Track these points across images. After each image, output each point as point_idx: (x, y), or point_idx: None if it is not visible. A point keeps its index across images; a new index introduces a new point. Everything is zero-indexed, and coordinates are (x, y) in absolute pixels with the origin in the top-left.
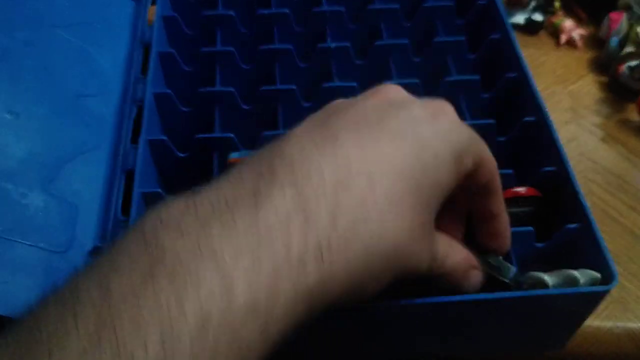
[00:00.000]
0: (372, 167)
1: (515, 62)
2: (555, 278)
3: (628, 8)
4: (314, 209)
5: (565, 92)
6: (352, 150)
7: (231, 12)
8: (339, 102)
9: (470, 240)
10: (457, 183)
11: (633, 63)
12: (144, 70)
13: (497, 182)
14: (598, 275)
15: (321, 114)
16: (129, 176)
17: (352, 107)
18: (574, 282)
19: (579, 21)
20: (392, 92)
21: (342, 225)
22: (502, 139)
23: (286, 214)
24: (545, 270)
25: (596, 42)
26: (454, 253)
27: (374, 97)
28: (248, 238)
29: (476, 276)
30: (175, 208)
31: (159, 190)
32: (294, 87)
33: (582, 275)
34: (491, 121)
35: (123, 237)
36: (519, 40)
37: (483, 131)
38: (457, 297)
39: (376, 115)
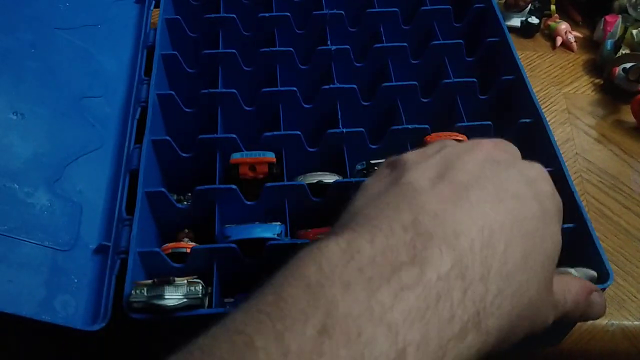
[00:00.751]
0: (506, 226)
1: (511, 65)
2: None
3: (623, 11)
4: (470, 273)
5: (561, 93)
6: (487, 209)
7: (233, 15)
8: (442, 146)
9: None
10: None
11: (628, 65)
12: (148, 71)
13: None
14: (594, 273)
15: (434, 164)
16: (133, 176)
17: (466, 160)
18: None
19: (575, 24)
20: (492, 148)
21: (492, 291)
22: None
23: (447, 278)
24: None
25: (591, 44)
26: (569, 289)
27: (479, 151)
28: (418, 303)
29: (598, 298)
30: (333, 254)
31: (163, 189)
32: (294, 88)
33: (579, 273)
34: (488, 123)
35: (282, 281)
36: (515, 43)
37: (480, 133)
38: None
39: (492, 173)
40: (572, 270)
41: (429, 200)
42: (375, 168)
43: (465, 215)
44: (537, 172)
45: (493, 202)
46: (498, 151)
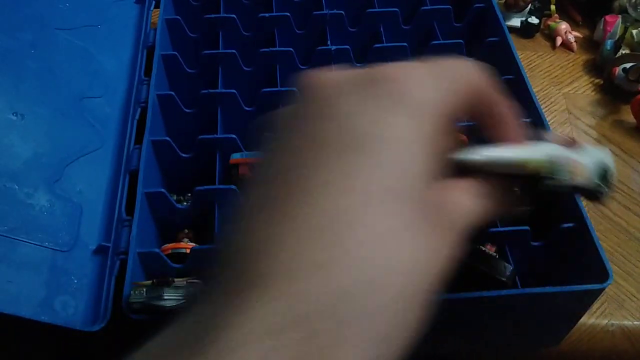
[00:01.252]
0: (349, 209)
1: (511, 65)
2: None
3: (623, 11)
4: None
5: (561, 93)
6: (326, 204)
7: (233, 15)
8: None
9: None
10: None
11: (628, 65)
12: (148, 72)
13: (489, 89)
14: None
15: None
16: (133, 176)
17: (294, 123)
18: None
19: (575, 24)
20: (320, 83)
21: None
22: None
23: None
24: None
25: (591, 44)
26: (483, 194)
27: (306, 99)
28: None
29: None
30: None
31: (163, 190)
32: (295, 89)
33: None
34: None
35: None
36: (515, 43)
37: (480, 132)
38: (454, 296)
39: (319, 128)
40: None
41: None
42: None
43: (302, 242)
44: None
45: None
46: (331, 80)
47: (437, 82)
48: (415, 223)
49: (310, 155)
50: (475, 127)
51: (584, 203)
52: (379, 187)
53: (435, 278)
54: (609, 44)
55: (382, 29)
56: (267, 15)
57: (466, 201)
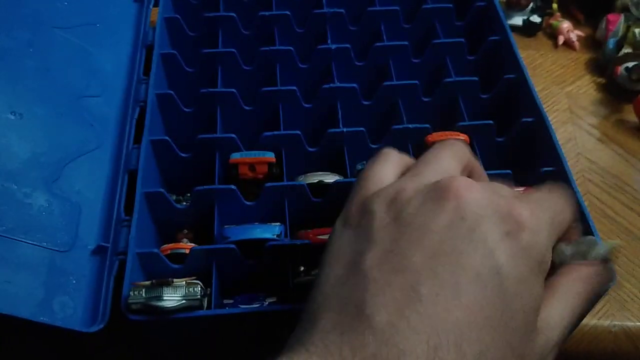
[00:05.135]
0: (459, 323)
1: (513, 64)
2: (572, 248)
3: (625, 10)
4: None
5: (563, 93)
6: (437, 307)
7: (232, 14)
8: (404, 204)
9: None
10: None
11: (630, 64)
12: (147, 71)
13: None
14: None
15: (390, 230)
16: (132, 176)
17: (425, 230)
18: (591, 244)
19: (577, 23)
20: (462, 196)
21: None
22: (500, 139)
23: None
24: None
25: (594, 43)
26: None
27: (446, 207)
28: None
29: (601, 272)
30: None
31: (162, 190)
32: (294, 87)
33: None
34: (490, 122)
35: None
36: (517, 41)
37: (482, 132)
38: None
39: (451, 245)
40: (591, 237)
41: (373, 303)
42: None
43: (412, 329)
44: (504, 229)
45: (450, 294)
46: (466, 204)
47: (548, 231)
48: (512, 346)
49: (428, 263)
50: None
51: (586, 203)
52: (486, 312)
53: None
54: (611, 42)
55: (382, 28)
56: (266, 13)
57: (561, 321)
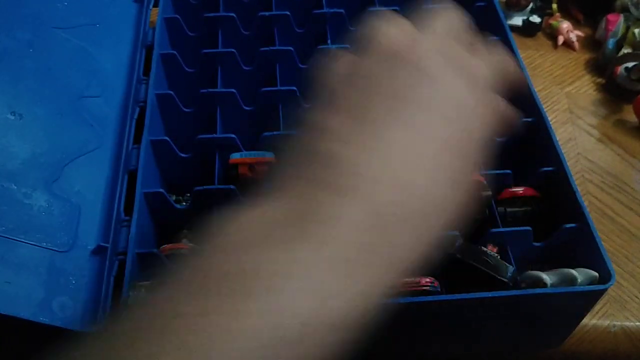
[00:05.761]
0: (417, 149)
1: None
2: (553, 277)
3: (625, 10)
4: (382, 222)
5: (563, 93)
6: (406, 143)
7: (232, 14)
8: (364, 72)
9: (468, 238)
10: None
11: (630, 64)
12: (147, 71)
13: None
14: (596, 274)
15: (353, 94)
16: (132, 176)
17: (385, 87)
18: (572, 281)
19: (576, 23)
20: (418, 52)
21: (407, 229)
22: (500, 139)
23: (360, 230)
24: (543, 270)
25: (593, 43)
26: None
27: (404, 63)
28: (337, 254)
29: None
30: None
31: (162, 190)
32: (294, 88)
33: (580, 274)
34: None
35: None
36: (516, 42)
37: None
38: (455, 296)
39: (410, 92)
40: (573, 272)
41: (346, 151)
42: None
43: (380, 161)
44: (463, 80)
45: (414, 135)
46: (423, 58)
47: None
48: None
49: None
50: None
51: (586, 203)
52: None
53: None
54: (611, 43)
55: None
56: (266, 14)
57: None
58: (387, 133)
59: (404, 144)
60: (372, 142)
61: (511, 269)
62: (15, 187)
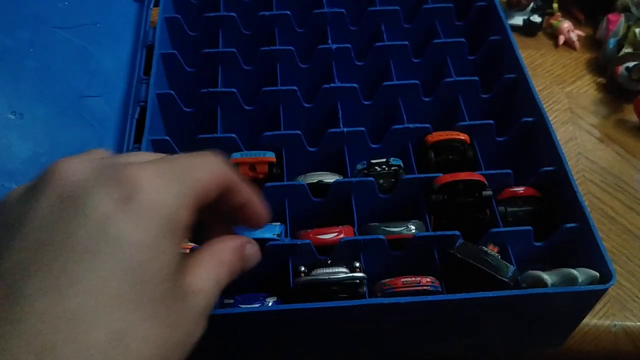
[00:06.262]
0: (83, 311)
1: (513, 63)
2: (554, 277)
3: (626, 9)
4: None
5: (563, 92)
6: (49, 304)
7: (233, 14)
8: (6, 200)
9: (468, 237)
10: (185, 233)
11: (631, 64)
12: (147, 71)
13: (235, 181)
14: (596, 274)
15: None
16: None
17: (23, 219)
18: (572, 280)
19: (577, 22)
20: (64, 174)
21: None
22: (501, 139)
23: None
24: (543, 269)
25: (594, 43)
26: (207, 274)
27: (46, 190)
28: None
29: (250, 250)
30: None
31: None
32: (295, 87)
33: (581, 274)
34: (490, 122)
35: None
36: (517, 41)
37: (482, 132)
38: (456, 296)
39: (58, 230)
40: (574, 272)
41: None
42: (377, 168)
43: (18, 334)
44: (115, 196)
45: (62, 286)
46: (68, 177)
47: (172, 187)
48: (158, 316)
49: (32, 257)
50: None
51: (587, 203)
52: (116, 290)
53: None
54: (611, 42)
55: (383, 28)
56: (267, 13)
57: (205, 287)
58: (29, 286)
59: (55, 313)
60: (10, 302)
61: (512, 268)
62: (16, 187)
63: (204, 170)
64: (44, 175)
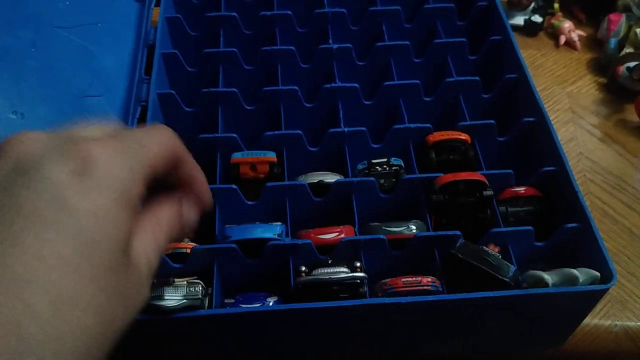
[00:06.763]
0: (31, 277)
1: (515, 63)
2: (555, 277)
3: (627, 9)
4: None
5: (564, 92)
6: None
7: (234, 14)
8: None
9: (469, 237)
10: (137, 207)
11: (632, 64)
12: (148, 70)
13: (183, 153)
14: (597, 274)
15: None
16: None
17: None
18: (573, 280)
19: (578, 22)
20: (21, 146)
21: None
22: (502, 139)
23: None
24: (544, 269)
25: (595, 43)
26: (155, 239)
27: (0, 160)
28: None
29: (189, 209)
30: None
31: None
32: (296, 87)
33: (582, 274)
34: (491, 122)
35: None
36: (518, 41)
37: (483, 131)
38: (457, 296)
39: (9, 196)
40: (575, 272)
41: None
42: (377, 168)
43: None
44: (71, 167)
45: (10, 251)
46: (25, 148)
47: (125, 161)
48: (103, 285)
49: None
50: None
51: (587, 203)
52: (64, 257)
53: (123, 324)
54: (612, 42)
55: (384, 27)
56: (268, 13)
57: (147, 253)
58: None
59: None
60: None
61: (513, 268)
62: None
63: (155, 143)
64: (2, 145)
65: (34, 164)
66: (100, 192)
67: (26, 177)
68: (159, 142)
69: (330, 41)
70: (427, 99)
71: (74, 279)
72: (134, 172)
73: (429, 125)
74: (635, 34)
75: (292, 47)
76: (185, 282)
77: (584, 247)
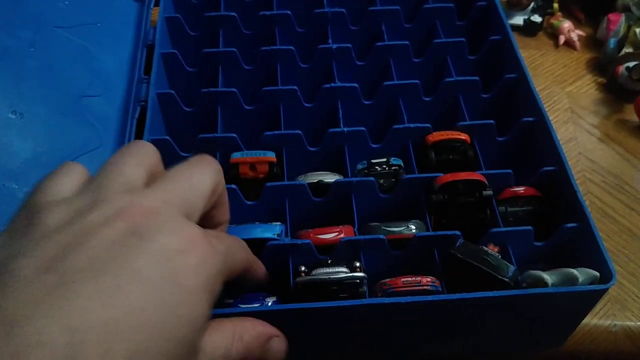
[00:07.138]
0: (112, 322)
1: (514, 63)
2: (554, 276)
3: (626, 9)
4: None
5: (564, 92)
6: (90, 303)
7: (234, 13)
8: (75, 227)
9: (469, 237)
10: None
11: (631, 64)
12: (147, 70)
13: (253, 264)
14: (597, 273)
15: (53, 245)
16: None
17: (91, 239)
18: (573, 280)
19: (578, 22)
20: (139, 213)
21: None
22: (501, 139)
23: None
24: (544, 269)
25: (594, 43)
26: (240, 337)
27: (118, 221)
28: None
29: (277, 344)
30: None
31: None
32: (295, 87)
33: (581, 274)
34: (491, 122)
35: None
36: (518, 41)
37: (482, 132)
38: (457, 296)
39: (123, 253)
40: (575, 271)
41: (23, 295)
42: (377, 168)
43: (55, 317)
44: (179, 244)
45: (105, 291)
46: (142, 218)
47: (217, 256)
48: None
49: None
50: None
51: (587, 203)
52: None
53: None
54: (612, 42)
55: (383, 27)
56: (267, 13)
57: (214, 354)
58: (82, 286)
59: (98, 303)
60: (59, 293)
61: (512, 268)
62: (17, 187)
63: (245, 252)
64: (112, 205)
65: (147, 232)
66: (198, 273)
67: (137, 241)
68: (247, 250)
69: (330, 41)
70: (426, 99)
71: (150, 340)
72: (222, 269)
73: (428, 125)
74: (635, 33)
75: (292, 47)
76: None
77: (584, 247)
